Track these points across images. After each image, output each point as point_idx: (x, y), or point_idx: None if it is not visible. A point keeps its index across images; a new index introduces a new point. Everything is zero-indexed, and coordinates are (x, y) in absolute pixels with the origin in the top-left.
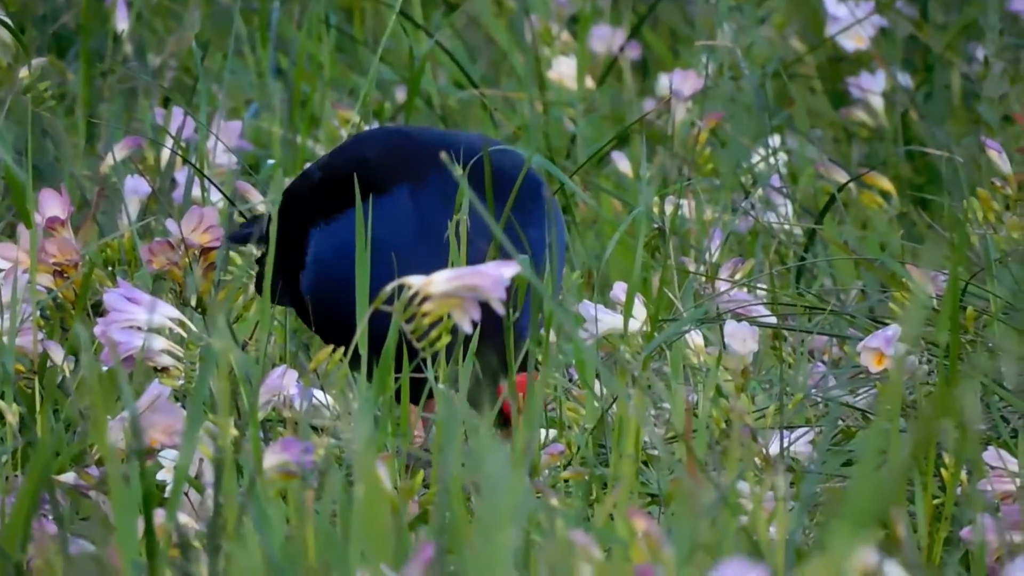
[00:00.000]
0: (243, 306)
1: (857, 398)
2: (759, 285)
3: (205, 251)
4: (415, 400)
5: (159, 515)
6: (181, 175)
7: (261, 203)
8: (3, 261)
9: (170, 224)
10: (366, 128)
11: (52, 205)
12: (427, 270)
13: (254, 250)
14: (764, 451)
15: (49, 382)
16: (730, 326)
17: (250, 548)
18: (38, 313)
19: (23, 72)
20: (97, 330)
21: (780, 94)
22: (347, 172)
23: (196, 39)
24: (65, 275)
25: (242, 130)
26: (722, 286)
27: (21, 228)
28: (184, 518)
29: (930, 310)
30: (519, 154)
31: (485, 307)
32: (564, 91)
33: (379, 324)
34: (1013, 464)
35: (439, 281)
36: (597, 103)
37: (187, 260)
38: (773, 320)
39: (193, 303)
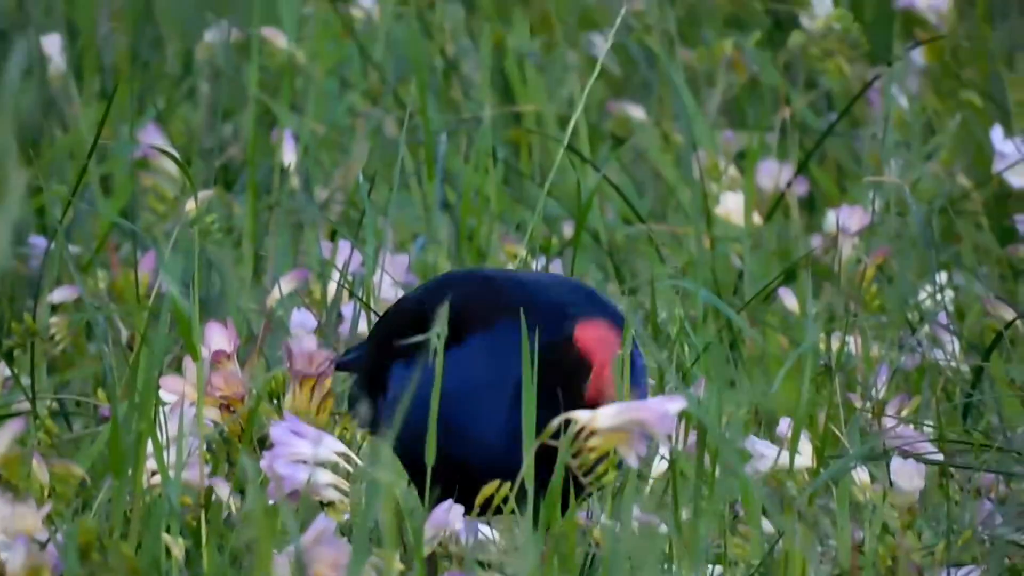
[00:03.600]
0: None
1: None
2: (926, 422)
3: (307, 379)
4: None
5: None
6: (348, 309)
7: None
8: (170, 394)
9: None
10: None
11: (218, 338)
12: (495, 420)
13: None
14: None
15: (215, 516)
16: (896, 463)
17: None
18: (205, 447)
19: (190, 205)
20: (263, 464)
21: (947, 230)
22: (428, 313)
23: (363, 172)
24: (231, 409)
25: (409, 263)
26: (888, 423)
27: (187, 361)
28: None
29: None
30: (598, 299)
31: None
32: (731, 226)
33: (476, 458)
34: None
35: (606, 415)
36: (764, 239)
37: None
38: (940, 457)
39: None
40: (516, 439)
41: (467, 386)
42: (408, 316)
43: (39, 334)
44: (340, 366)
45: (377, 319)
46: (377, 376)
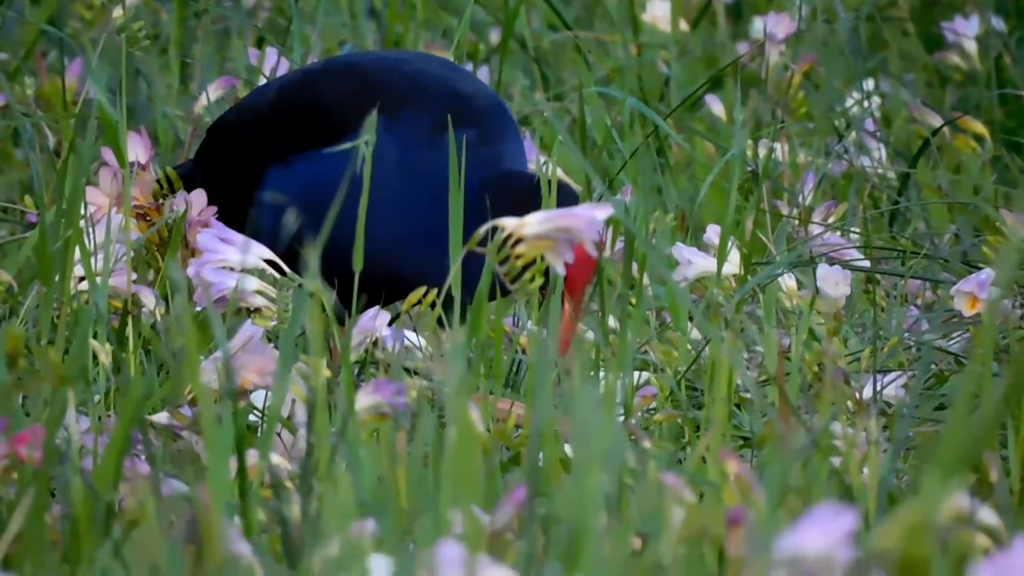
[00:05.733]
0: None
1: (950, 342)
2: (852, 229)
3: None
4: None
5: (251, 455)
6: None
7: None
8: (95, 203)
9: None
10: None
11: (134, 148)
12: (413, 202)
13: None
14: (857, 395)
15: (141, 322)
16: (823, 269)
17: (342, 489)
18: (131, 254)
19: (117, 12)
20: (190, 271)
21: (874, 38)
22: (303, 114)
23: None
24: (148, 219)
25: None
26: (815, 229)
27: (102, 172)
28: (276, 459)
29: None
30: (471, 75)
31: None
32: (658, 34)
33: (384, 264)
34: None
35: (532, 223)
36: (691, 46)
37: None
38: (866, 264)
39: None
40: (434, 241)
41: (380, 173)
42: (268, 117)
43: None
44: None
45: (216, 125)
46: (239, 183)
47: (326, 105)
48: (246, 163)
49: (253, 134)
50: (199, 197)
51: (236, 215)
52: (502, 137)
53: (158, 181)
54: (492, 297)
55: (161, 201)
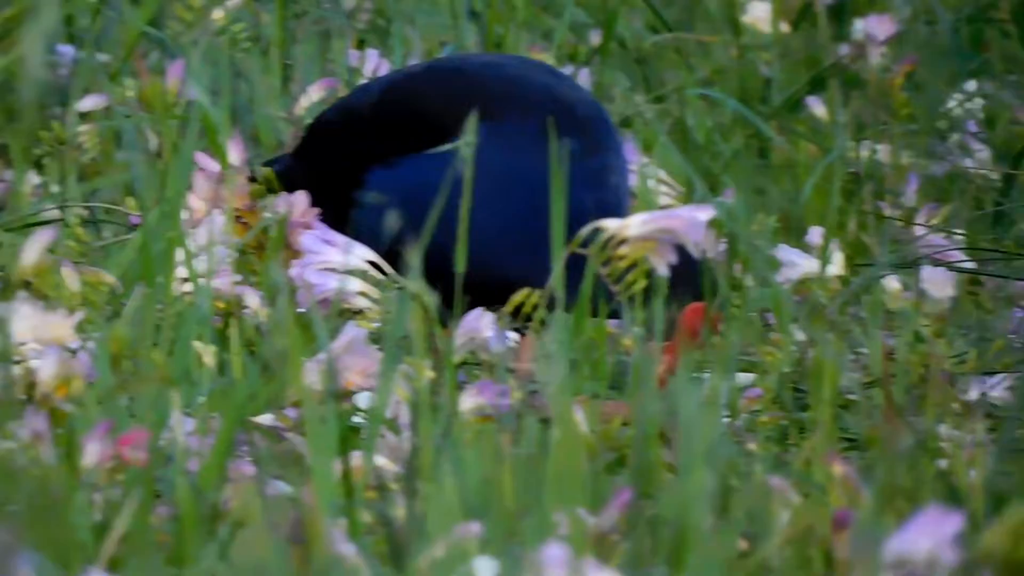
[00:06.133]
0: None
1: None
2: (956, 230)
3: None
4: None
5: (356, 457)
6: None
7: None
8: (197, 205)
9: None
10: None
11: (230, 151)
12: (516, 207)
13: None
14: (962, 397)
15: (245, 324)
16: (927, 271)
17: (446, 490)
18: (235, 255)
19: (218, 14)
20: (293, 272)
21: (975, 39)
22: (405, 117)
23: None
24: (244, 220)
25: None
26: (919, 231)
27: (197, 176)
28: (381, 460)
29: None
30: (572, 80)
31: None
32: (758, 35)
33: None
34: None
35: (635, 224)
36: (792, 47)
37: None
38: (971, 265)
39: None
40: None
41: (481, 177)
42: (370, 118)
43: (68, 142)
44: (279, 174)
45: (317, 126)
46: (339, 183)
47: (428, 108)
48: (347, 163)
49: (354, 134)
50: (301, 199)
51: (335, 215)
52: (605, 148)
53: (253, 178)
54: (596, 304)
55: (261, 202)
